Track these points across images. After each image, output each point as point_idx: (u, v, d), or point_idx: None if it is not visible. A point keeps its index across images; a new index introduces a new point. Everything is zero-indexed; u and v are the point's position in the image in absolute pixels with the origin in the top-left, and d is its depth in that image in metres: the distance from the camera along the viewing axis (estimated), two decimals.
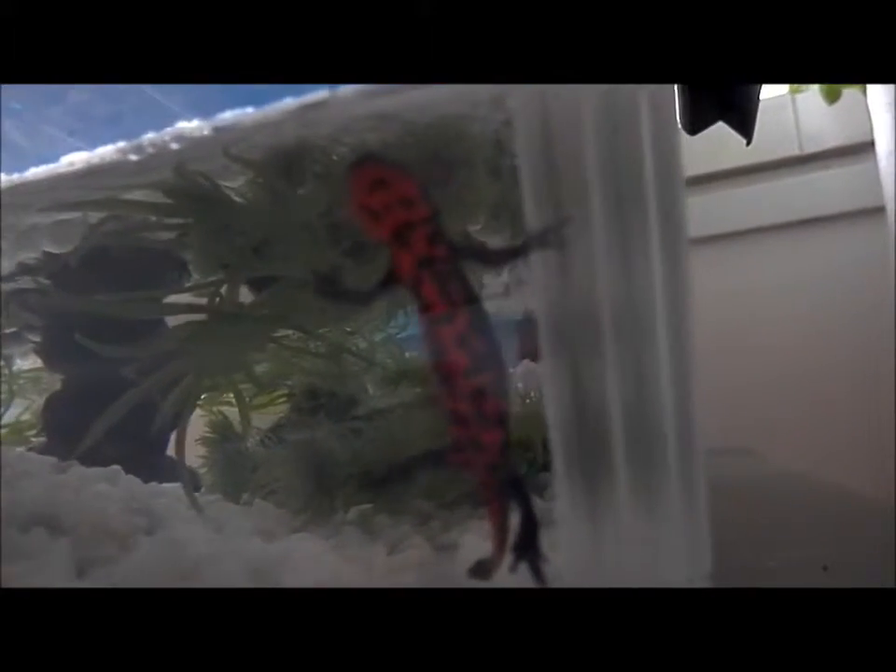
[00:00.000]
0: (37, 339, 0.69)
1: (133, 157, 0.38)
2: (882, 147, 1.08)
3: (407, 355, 0.68)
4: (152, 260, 0.62)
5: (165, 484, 0.52)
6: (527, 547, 0.35)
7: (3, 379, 0.72)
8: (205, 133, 0.39)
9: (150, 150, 0.38)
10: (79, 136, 0.43)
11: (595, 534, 0.32)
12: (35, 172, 0.42)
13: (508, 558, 0.35)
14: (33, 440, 0.70)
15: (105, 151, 0.40)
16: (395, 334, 0.68)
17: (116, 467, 0.50)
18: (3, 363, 0.72)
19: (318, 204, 0.52)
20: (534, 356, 0.75)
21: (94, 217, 0.57)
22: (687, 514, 0.32)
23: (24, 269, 0.54)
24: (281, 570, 0.33)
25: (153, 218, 0.44)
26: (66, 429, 0.61)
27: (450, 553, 0.40)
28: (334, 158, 0.57)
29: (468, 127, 0.51)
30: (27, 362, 0.75)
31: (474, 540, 0.39)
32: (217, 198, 0.43)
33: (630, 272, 0.31)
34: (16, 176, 0.42)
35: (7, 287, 0.58)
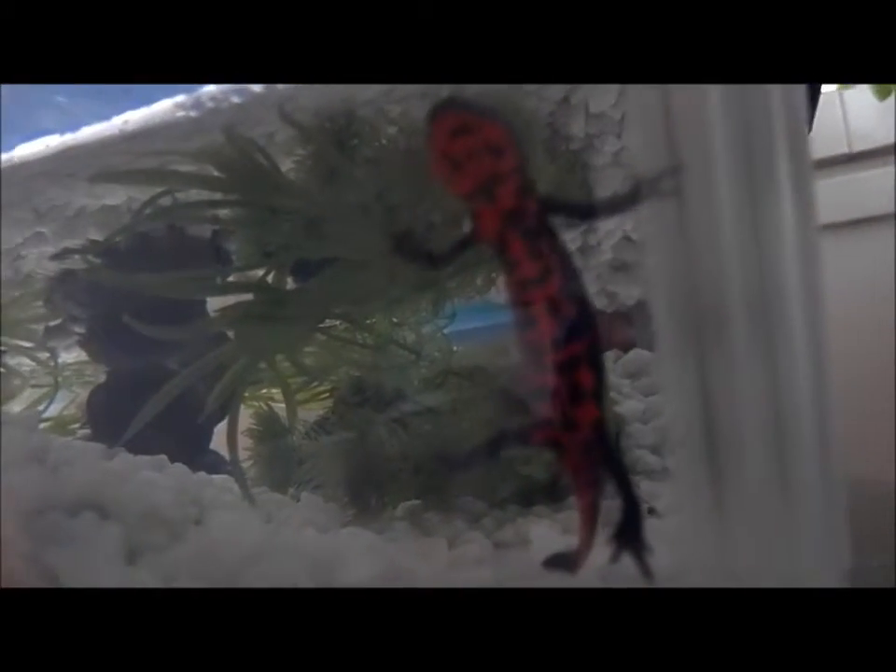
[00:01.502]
0: (82, 330, 0.68)
1: (193, 113, 0.37)
2: None
3: (455, 349, 0.66)
4: (196, 247, 0.61)
5: (213, 475, 0.50)
6: (630, 535, 0.32)
7: (48, 371, 0.72)
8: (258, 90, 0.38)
9: (209, 104, 0.37)
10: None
11: (723, 530, 0.29)
12: (88, 132, 0.40)
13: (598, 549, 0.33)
14: (77, 432, 0.69)
15: (164, 107, 0.38)
16: (443, 326, 0.66)
17: (162, 456, 0.48)
18: (48, 355, 0.71)
19: (371, 186, 0.51)
20: (623, 345, 0.73)
21: (139, 202, 0.56)
22: (825, 509, 0.29)
23: (74, 250, 0.54)
24: (337, 563, 0.31)
25: (201, 197, 0.43)
26: (110, 421, 0.60)
27: (515, 548, 0.38)
28: (384, 142, 0.55)
29: (523, 101, 0.48)
30: (71, 355, 0.75)
31: (546, 535, 0.36)
32: (267, 172, 0.41)
33: (760, 256, 0.29)
34: (68, 137, 0.41)
35: (53, 269, 0.58)
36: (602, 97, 0.55)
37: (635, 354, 0.72)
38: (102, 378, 0.69)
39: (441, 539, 0.39)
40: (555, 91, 0.56)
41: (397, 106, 0.55)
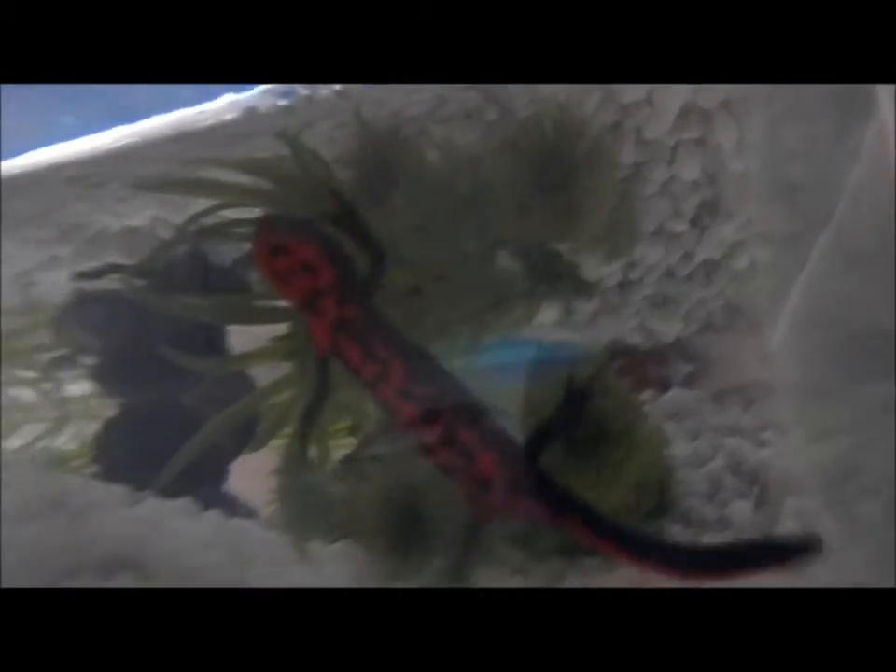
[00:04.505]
0: (92, 361, 0.64)
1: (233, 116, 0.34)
2: None
3: (493, 385, 0.62)
4: (218, 275, 0.58)
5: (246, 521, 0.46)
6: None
7: (52, 404, 0.67)
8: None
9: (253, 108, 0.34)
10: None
11: None
12: (116, 134, 0.37)
13: None
14: (83, 470, 0.65)
15: (217, 108, 0.35)
16: (477, 361, 0.63)
17: (189, 500, 0.44)
18: (51, 387, 0.67)
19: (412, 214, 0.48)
20: (658, 385, 0.69)
21: (166, 224, 0.53)
22: None
23: (111, 268, 0.50)
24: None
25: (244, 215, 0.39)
26: (127, 457, 0.56)
27: None
28: (427, 165, 0.53)
29: (584, 128, 0.46)
30: (75, 388, 0.71)
31: None
32: (328, 189, 0.38)
33: None
34: (94, 140, 0.37)
35: (65, 296, 0.54)
36: (657, 121, 0.53)
37: (674, 394, 0.69)
38: (109, 413, 0.65)
39: None
40: (608, 115, 0.53)
41: (441, 127, 0.52)
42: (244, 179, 0.39)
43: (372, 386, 0.34)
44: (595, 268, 0.63)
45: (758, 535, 0.50)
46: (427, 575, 0.45)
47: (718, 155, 0.55)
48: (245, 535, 0.43)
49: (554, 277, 0.60)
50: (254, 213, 0.39)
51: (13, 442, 0.67)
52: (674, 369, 0.73)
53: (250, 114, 0.35)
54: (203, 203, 0.41)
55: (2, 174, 0.36)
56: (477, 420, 0.34)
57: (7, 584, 0.26)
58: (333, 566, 0.41)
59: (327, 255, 0.34)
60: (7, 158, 0.36)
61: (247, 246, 0.49)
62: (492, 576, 0.46)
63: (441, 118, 0.52)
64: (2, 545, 0.26)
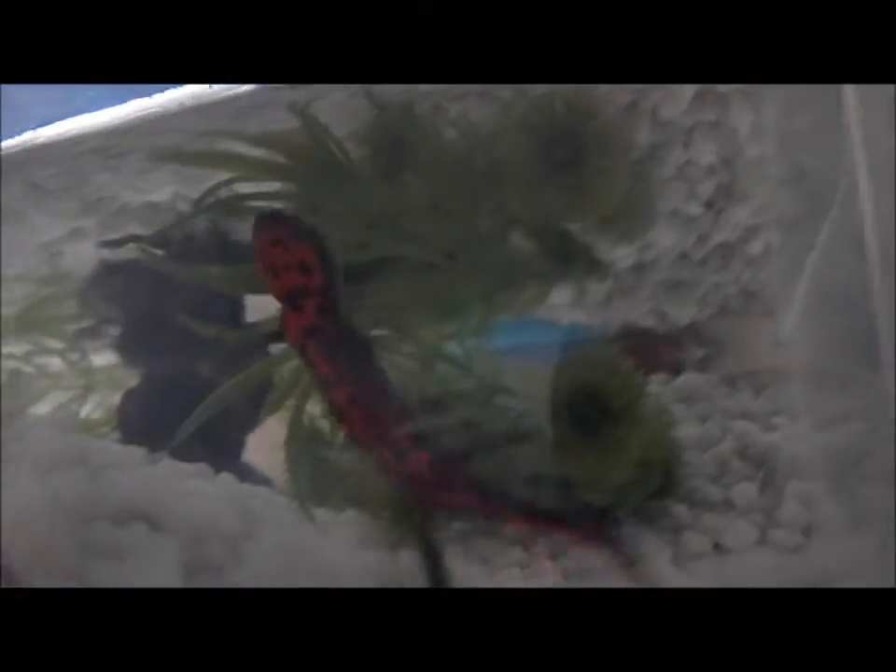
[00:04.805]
0: (116, 332, 0.66)
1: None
2: None
3: (505, 366, 0.63)
4: (237, 250, 0.60)
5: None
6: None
7: (78, 373, 0.70)
8: None
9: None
10: None
11: None
12: (133, 107, 0.38)
13: None
14: (108, 436, 0.67)
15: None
16: (493, 342, 0.63)
17: (204, 464, 0.46)
18: (79, 356, 0.69)
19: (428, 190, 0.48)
20: (672, 368, 0.70)
21: (185, 199, 0.54)
22: None
23: (132, 238, 0.52)
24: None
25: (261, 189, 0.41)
26: (146, 425, 0.58)
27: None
28: (443, 142, 0.53)
29: (600, 107, 0.46)
30: (101, 357, 0.73)
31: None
32: (339, 163, 0.39)
33: None
34: (113, 112, 0.38)
35: (89, 266, 0.56)
36: (673, 103, 0.53)
37: (687, 377, 0.69)
38: (133, 382, 0.67)
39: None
40: (624, 96, 0.53)
41: (456, 104, 0.53)
42: (257, 153, 0.40)
43: (326, 388, 0.37)
44: (610, 249, 0.63)
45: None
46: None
47: (734, 138, 0.55)
48: (256, 497, 0.45)
49: (568, 258, 0.61)
50: (269, 186, 0.40)
51: (41, 409, 0.69)
52: (688, 352, 0.73)
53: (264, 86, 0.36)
54: (219, 177, 0.43)
55: (30, 144, 0.38)
56: (413, 422, 0.38)
57: (33, 526, 0.27)
58: (340, 528, 0.42)
59: (321, 261, 0.37)
60: (33, 128, 0.37)
61: None
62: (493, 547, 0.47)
63: (456, 95, 0.52)
64: (27, 495, 0.28)
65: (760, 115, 0.52)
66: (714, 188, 0.60)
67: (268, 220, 0.37)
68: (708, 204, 0.61)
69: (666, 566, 0.45)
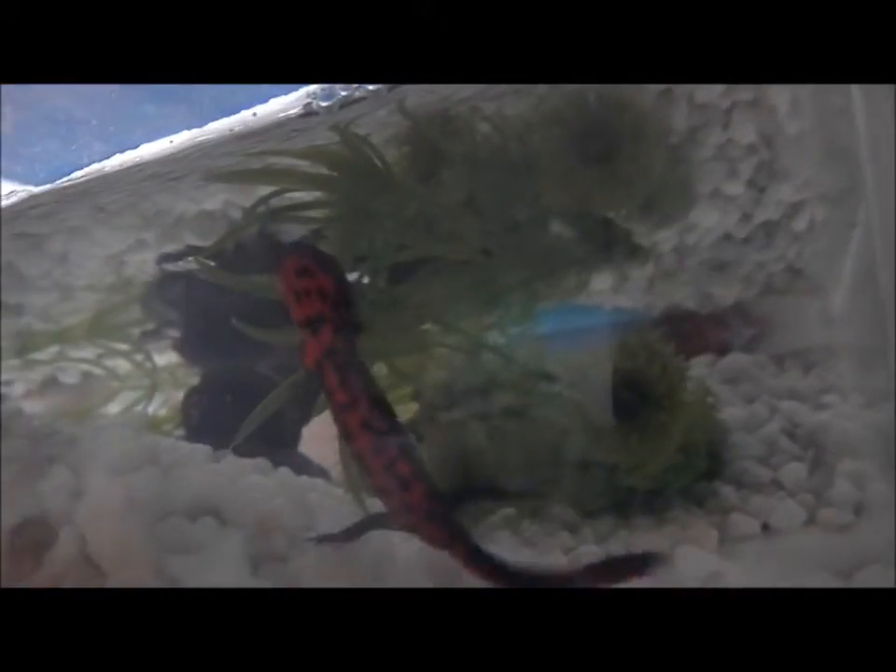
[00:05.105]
0: (177, 334, 0.70)
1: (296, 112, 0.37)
2: None
3: (547, 353, 0.64)
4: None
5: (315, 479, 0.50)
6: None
7: (143, 373, 0.73)
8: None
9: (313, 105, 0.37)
10: None
11: None
12: (188, 136, 0.40)
13: None
14: (172, 433, 0.71)
15: (267, 110, 0.38)
16: (535, 329, 0.64)
17: (264, 459, 0.49)
18: (144, 358, 0.73)
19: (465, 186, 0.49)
20: (718, 349, 0.70)
21: (236, 207, 0.57)
22: None
23: (189, 250, 0.55)
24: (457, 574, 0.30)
25: (307, 198, 0.42)
26: (208, 422, 0.61)
27: None
28: (477, 139, 0.54)
29: (633, 96, 0.46)
30: (164, 358, 0.77)
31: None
32: (378, 170, 0.40)
33: None
34: (171, 140, 0.41)
35: (152, 274, 0.59)
36: (709, 86, 0.53)
37: (733, 358, 0.69)
38: (194, 381, 0.71)
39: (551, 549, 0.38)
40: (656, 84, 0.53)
41: (491, 104, 0.54)
42: (302, 165, 0.42)
43: (340, 412, 0.38)
44: (650, 233, 0.63)
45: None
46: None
47: (773, 116, 0.54)
48: (313, 489, 0.47)
49: (608, 244, 0.61)
50: (313, 196, 0.42)
51: (112, 408, 0.74)
52: (735, 333, 0.73)
53: (307, 112, 0.38)
54: (267, 189, 0.45)
55: (97, 173, 0.41)
56: (415, 456, 0.39)
57: (112, 525, 0.29)
58: None
59: (341, 290, 0.39)
60: (100, 159, 0.40)
61: (311, 227, 0.52)
62: (544, 530, 0.48)
63: (492, 95, 0.53)
64: (106, 494, 0.30)
65: (797, 90, 0.51)
66: (755, 166, 0.59)
67: (297, 249, 0.40)
68: (750, 183, 0.60)
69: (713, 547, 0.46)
